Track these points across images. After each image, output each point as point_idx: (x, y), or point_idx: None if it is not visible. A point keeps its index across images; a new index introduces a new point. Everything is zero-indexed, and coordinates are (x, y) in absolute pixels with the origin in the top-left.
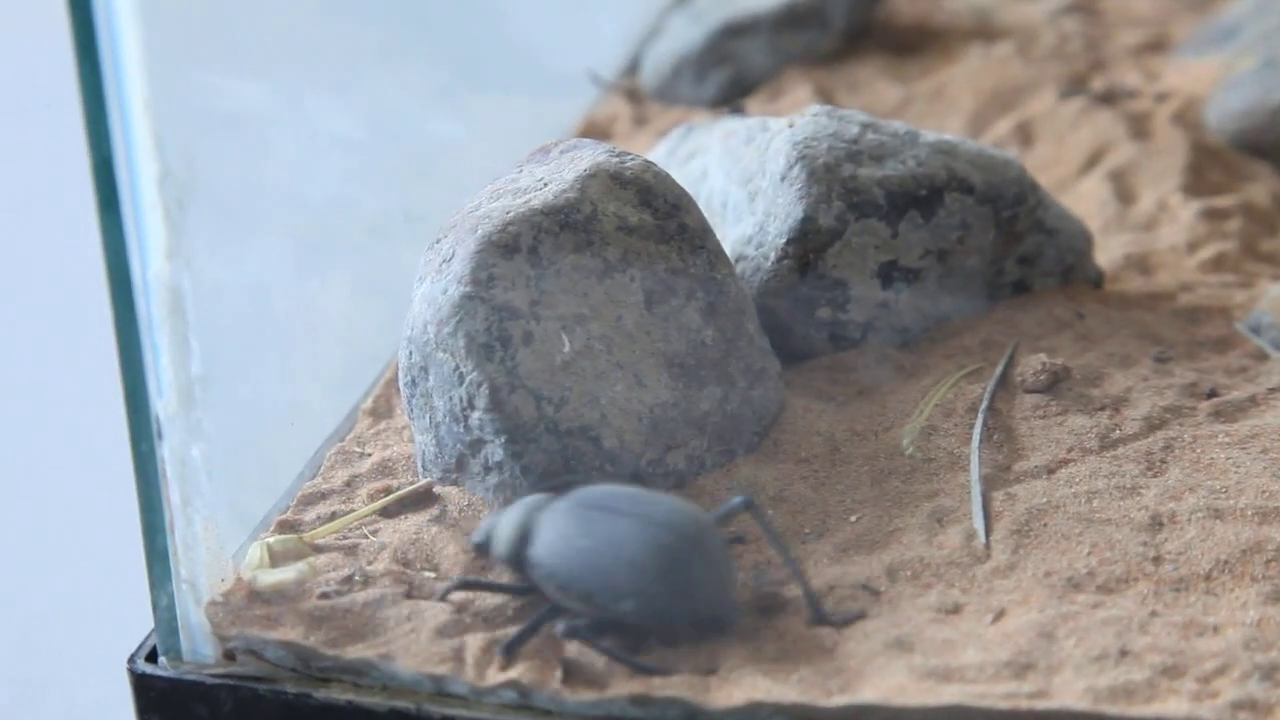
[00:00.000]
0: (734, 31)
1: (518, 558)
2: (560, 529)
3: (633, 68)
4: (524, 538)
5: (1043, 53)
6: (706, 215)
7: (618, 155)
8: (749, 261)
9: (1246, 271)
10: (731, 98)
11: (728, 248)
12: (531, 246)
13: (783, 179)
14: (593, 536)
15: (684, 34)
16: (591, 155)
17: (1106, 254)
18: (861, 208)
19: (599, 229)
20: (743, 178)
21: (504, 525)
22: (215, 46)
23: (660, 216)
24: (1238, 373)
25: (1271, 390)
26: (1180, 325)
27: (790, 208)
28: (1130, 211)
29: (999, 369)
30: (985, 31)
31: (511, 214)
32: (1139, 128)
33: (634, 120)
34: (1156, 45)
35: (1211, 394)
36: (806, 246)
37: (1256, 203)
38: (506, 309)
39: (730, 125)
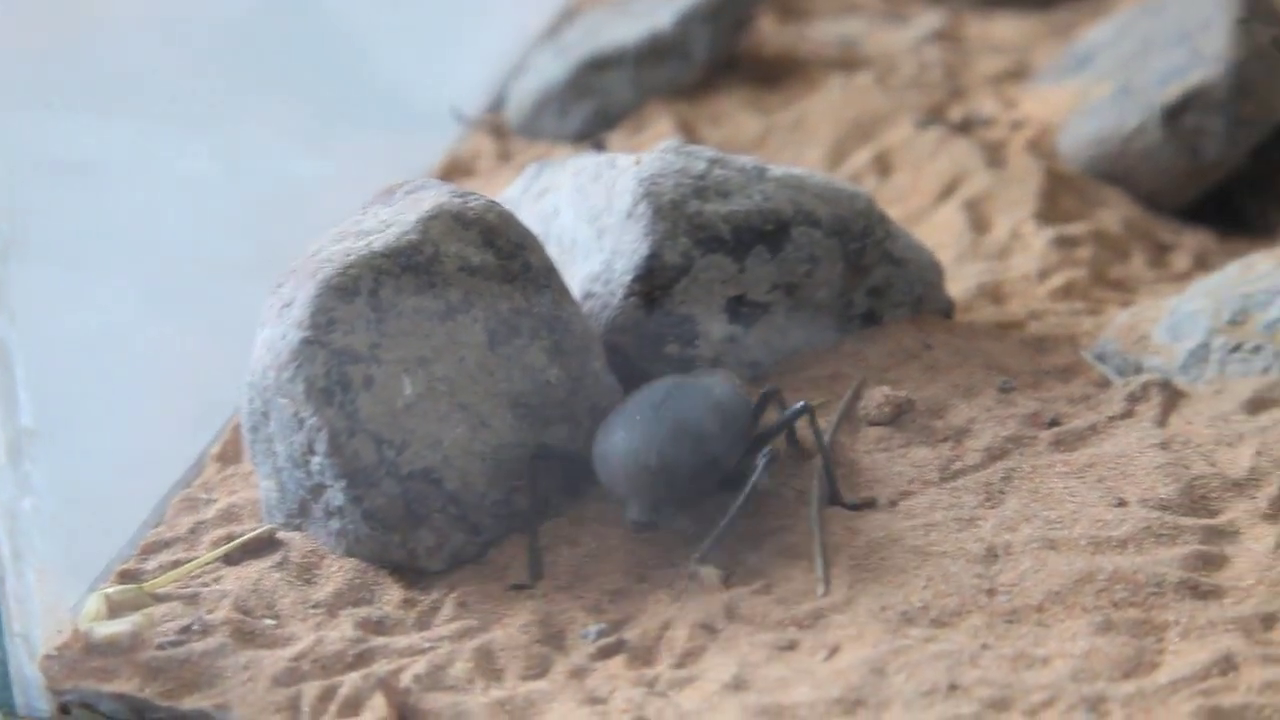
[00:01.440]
0: (597, 65)
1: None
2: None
3: (498, 103)
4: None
5: (902, 82)
6: (558, 252)
7: (461, 196)
8: (597, 299)
9: (1096, 299)
10: (595, 132)
11: (577, 285)
12: (372, 289)
13: (629, 216)
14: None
15: (548, 68)
16: (435, 196)
17: (960, 283)
18: (708, 243)
19: (441, 270)
20: (591, 215)
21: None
22: (58, 87)
23: (504, 256)
24: (1080, 401)
25: (1111, 419)
26: (1028, 354)
27: (636, 245)
28: (984, 240)
29: (843, 403)
30: (848, 61)
31: (352, 257)
32: (994, 156)
33: (498, 156)
34: (1017, 72)
35: (1053, 423)
36: (652, 283)
37: (1108, 229)
38: (346, 353)
39: (581, 162)
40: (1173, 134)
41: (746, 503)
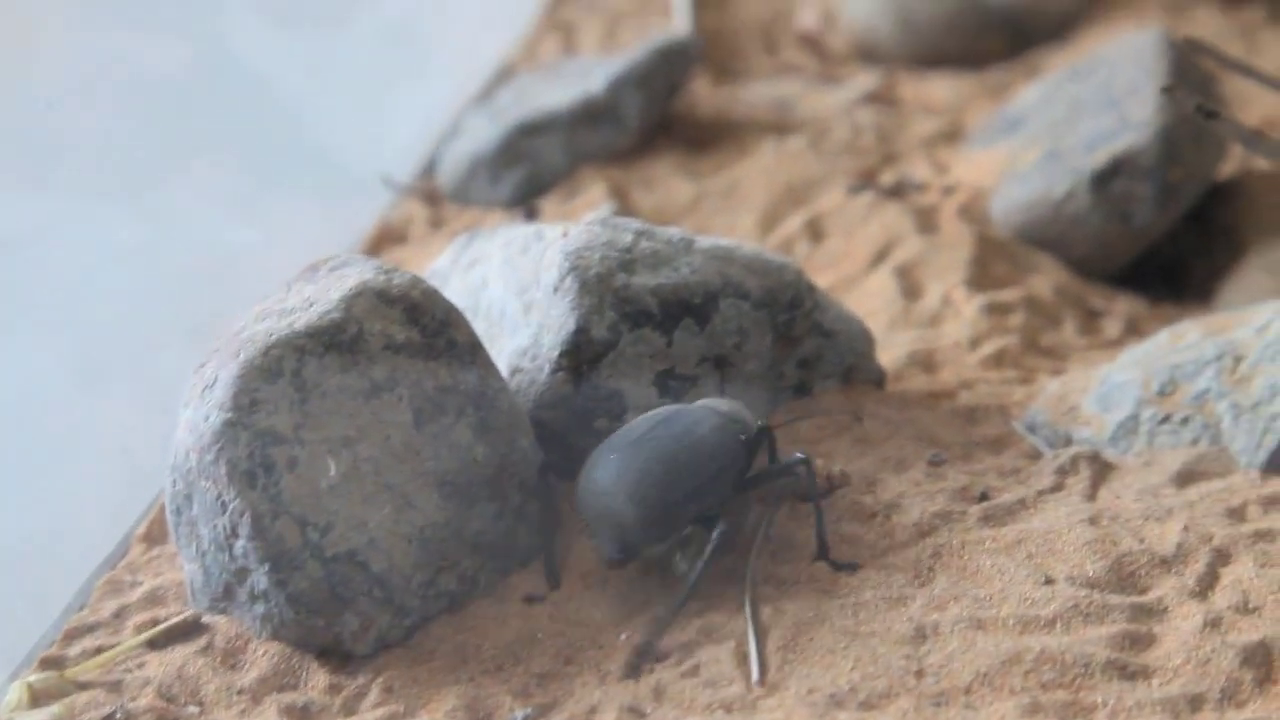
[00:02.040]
0: (529, 130)
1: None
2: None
3: (431, 167)
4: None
5: (835, 146)
6: (487, 325)
7: (385, 273)
8: (525, 374)
9: (1027, 367)
10: (527, 197)
11: (506, 359)
12: (295, 370)
13: (555, 290)
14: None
15: (481, 133)
16: (358, 273)
17: (891, 351)
18: (635, 317)
19: (365, 349)
20: (519, 288)
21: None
22: None
23: (428, 334)
24: (1010, 474)
25: (1041, 493)
26: (958, 425)
27: (563, 319)
28: (916, 307)
29: (776, 480)
30: (782, 124)
31: (275, 337)
32: (926, 221)
33: (430, 223)
34: (950, 134)
35: (983, 497)
36: (579, 358)
37: (1039, 296)
38: (269, 434)
39: (510, 233)
40: (1102, 200)
41: (698, 583)
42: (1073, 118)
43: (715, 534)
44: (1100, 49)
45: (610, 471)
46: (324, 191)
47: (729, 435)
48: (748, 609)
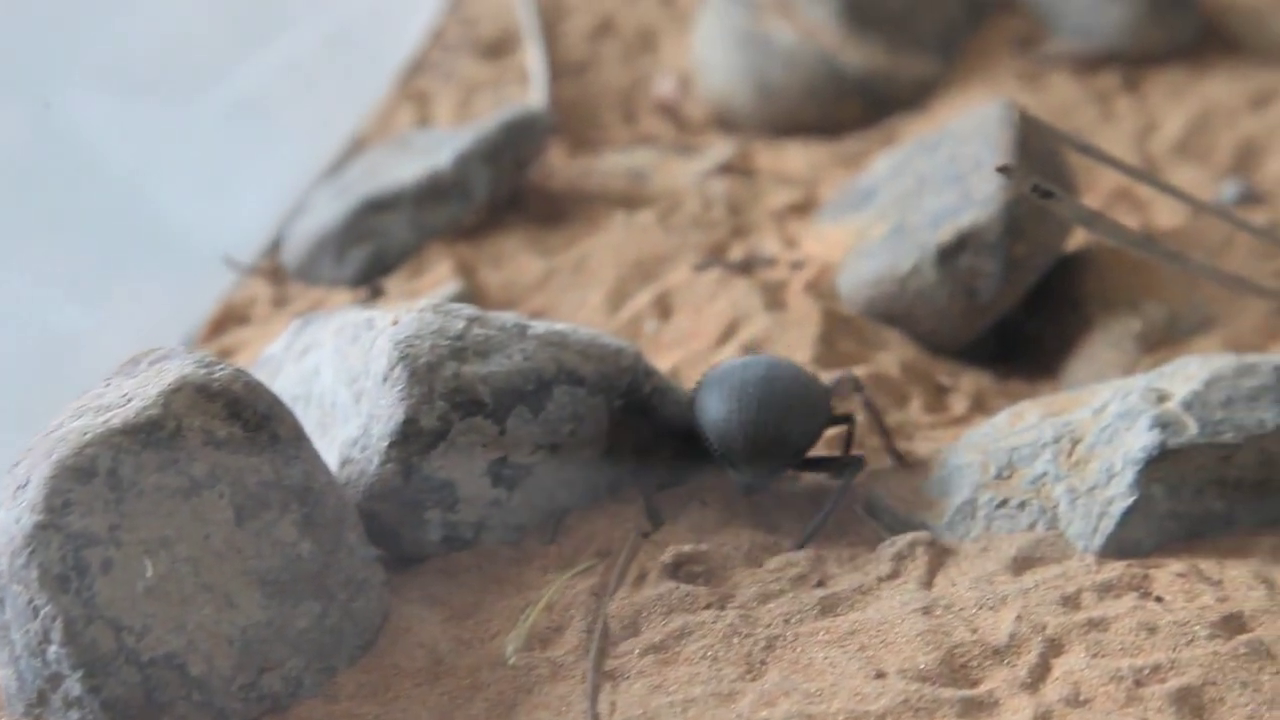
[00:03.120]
0: (375, 206)
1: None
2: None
3: (276, 244)
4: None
5: (685, 220)
6: (319, 414)
7: (206, 366)
8: (354, 465)
9: (871, 447)
10: (372, 276)
11: (337, 450)
12: (111, 469)
13: (385, 380)
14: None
15: (326, 209)
16: (179, 367)
17: None
18: (466, 406)
19: (184, 445)
20: (349, 377)
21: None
22: None
23: (251, 428)
24: (848, 561)
25: (879, 579)
26: (801, 506)
27: (392, 410)
28: None
29: (620, 564)
30: (633, 197)
31: (90, 435)
32: (774, 298)
33: (274, 302)
34: (803, 206)
35: (819, 584)
36: (409, 449)
37: (886, 373)
38: (83, 536)
39: (343, 319)
40: (948, 275)
41: (840, 498)
42: (920, 192)
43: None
44: (949, 122)
45: (754, 407)
46: (165, 271)
47: (822, 383)
48: (590, 687)
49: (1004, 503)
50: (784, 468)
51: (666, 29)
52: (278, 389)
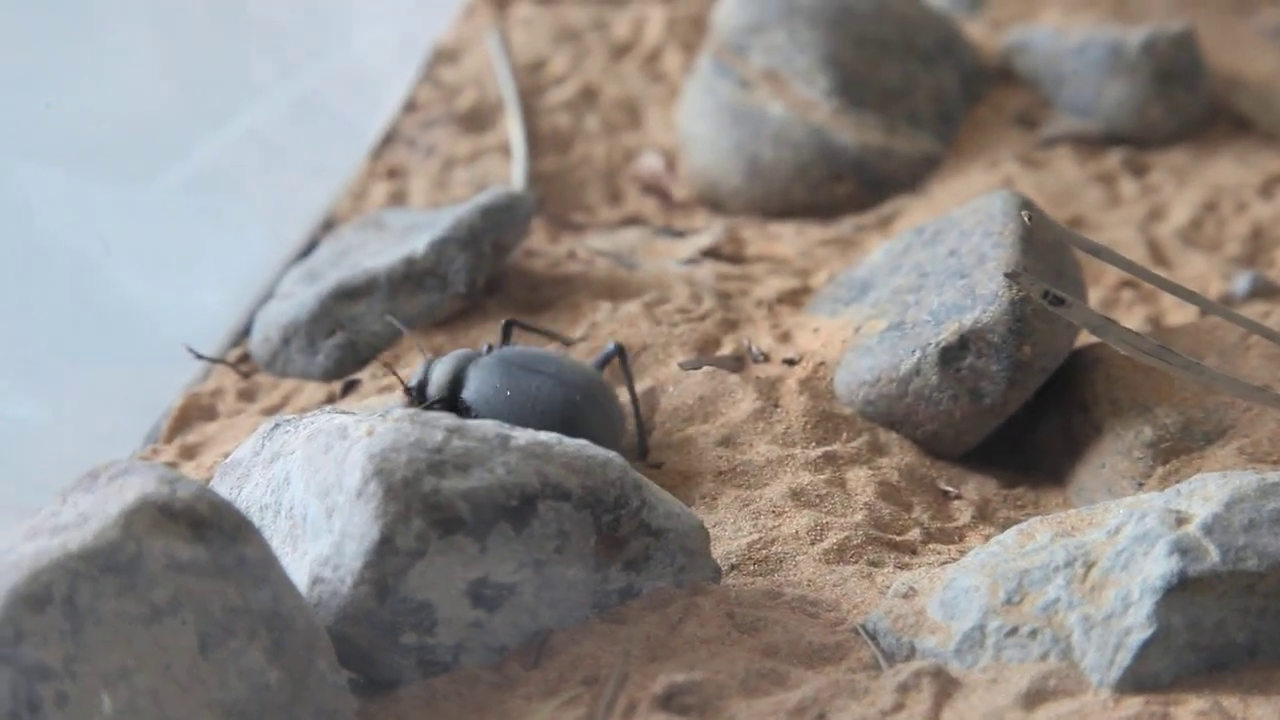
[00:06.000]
0: (348, 294)
1: (451, 400)
2: (488, 379)
3: (244, 332)
4: (457, 383)
5: (673, 311)
6: (289, 526)
7: (169, 483)
8: (326, 585)
9: (871, 561)
10: (345, 367)
11: (307, 567)
12: (66, 596)
13: (359, 495)
14: (515, 389)
15: (296, 296)
16: (140, 485)
17: (727, 545)
18: (445, 524)
19: (145, 570)
20: (321, 490)
21: (440, 371)
22: None
23: (216, 550)
24: (847, 690)
25: (884, 713)
26: (798, 629)
27: (366, 528)
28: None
29: (607, 695)
30: (618, 285)
31: (44, 560)
32: (767, 397)
33: (241, 395)
34: (796, 294)
35: (820, 718)
36: (384, 570)
37: (885, 479)
38: (37, 669)
39: (315, 425)
40: (951, 376)
41: None
42: (920, 286)
43: None
44: (948, 207)
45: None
46: (124, 359)
47: None
48: None
49: (1014, 630)
50: None
51: (651, 100)
52: (245, 497)
